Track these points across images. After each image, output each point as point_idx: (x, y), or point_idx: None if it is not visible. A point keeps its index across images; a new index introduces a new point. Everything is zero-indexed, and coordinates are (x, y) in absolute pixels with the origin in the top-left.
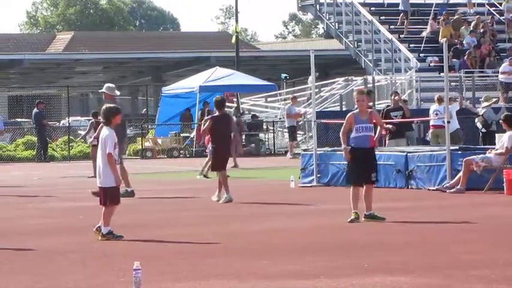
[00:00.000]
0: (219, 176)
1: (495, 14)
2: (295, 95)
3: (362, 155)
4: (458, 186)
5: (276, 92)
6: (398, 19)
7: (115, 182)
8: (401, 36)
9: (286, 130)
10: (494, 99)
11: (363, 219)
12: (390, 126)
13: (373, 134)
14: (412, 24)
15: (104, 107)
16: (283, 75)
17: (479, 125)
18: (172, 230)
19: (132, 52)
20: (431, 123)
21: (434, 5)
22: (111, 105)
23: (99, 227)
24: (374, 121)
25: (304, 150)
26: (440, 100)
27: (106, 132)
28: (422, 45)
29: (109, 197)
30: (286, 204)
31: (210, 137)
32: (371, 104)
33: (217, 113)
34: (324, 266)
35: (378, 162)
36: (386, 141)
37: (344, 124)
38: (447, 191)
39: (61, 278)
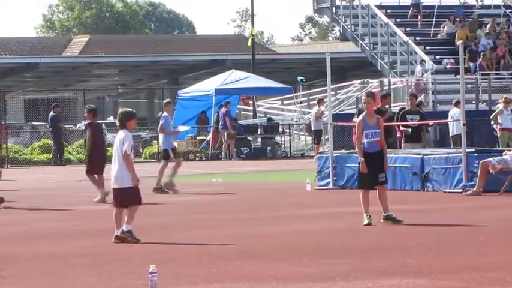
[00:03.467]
0: (92, 179)
1: (511, 16)
2: (320, 97)
3: (371, 159)
4: (475, 189)
5: (292, 95)
6: (415, 22)
7: (133, 181)
8: (418, 38)
9: (304, 133)
10: None
11: (382, 220)
12: (404, 129)
13: (380, 138)
14: (428, 26)
15: (119, 110)
16: (299, 78)
17: (495, 126)
18: (188, 233)
19: (148, 55)
20: (501, 126)
21: (450, 7)
22: (127, 109)
23: (117, 235)
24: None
25: (320, 153)
26: (507, 102)
27: (122, 134)
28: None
29: (127, 197)
30: (302, 207)
31: (91, 144)
32: (387, 106)
33: (91, 121)
34: (340, 268)
35: (394, 165)
36: (402, 145)
37: (357, 132)
38: (463, 193)
39: (77, 281)
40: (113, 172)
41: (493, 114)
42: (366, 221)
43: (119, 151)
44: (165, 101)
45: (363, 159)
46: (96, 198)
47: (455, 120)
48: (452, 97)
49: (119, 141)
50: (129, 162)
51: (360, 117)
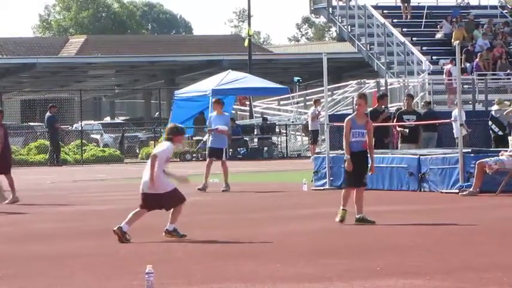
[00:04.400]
0: (9, 179)
1: (508, 16)
2: (317, 97)
3: (357, 159)
4: (471, 189)
5: (288, 95)
6: (411, 22)
7: (148, 187)
8: (414, 39)
9: (300, 133)
10: (508, 103)
11: (354, 222)
12: (401, 129)
13: (366, 139)
14: (425, 27)
15: (169, 125)
16: (295, 79)
17: (494, 127)
18: (186, 233)
19: (145, 56)
20: None
21: (447, 7)
22: (177, 125)
23: (167, 229)
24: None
25: (317, 153)
26: None
27: (166, 144)
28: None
29: (166, 201)
30: (299, 208)
31: (5, 144)
32: (384, 106)
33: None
34: (336, 268)
35: (391, 165)
36: (398, 145)
37: (345, 130)
38: (460, 193)
39: (73, 281)
40: (144, 177)
41: (507, 112)
42: (339, 217)
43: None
44: (213, 99)
45: (349, 156)
46: (7, 200)
47: (454, 121)
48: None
49: (160, 151)
50: (152, 165)
51: (350, 116)
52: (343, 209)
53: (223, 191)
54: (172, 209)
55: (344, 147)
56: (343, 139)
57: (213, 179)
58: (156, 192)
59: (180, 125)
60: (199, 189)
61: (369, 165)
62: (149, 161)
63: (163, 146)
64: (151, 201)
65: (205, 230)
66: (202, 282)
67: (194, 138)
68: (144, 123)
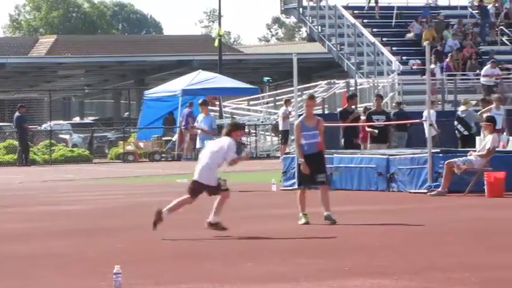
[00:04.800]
0: None
1: (478, 16)
2: (287, 97)
3: (309, 160)
4: (439, 189)
5: (258, 95)
6: (381, 22)
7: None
8: (384, 39)
9: (269, 133)
10: (474, 103)
11: (324, 220)
12: (371, 130)
13: (319, 140)
14: (395, 27)
15: (230, 121)
16: (265, 79)
17: (460, 127)
18: (155, 234)
19: (115, 56)
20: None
21: (417, 7)
22: (236, 121)
23: (209, 222)
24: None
25: (286, 153)
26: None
27: (227, 141)
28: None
29: (210, 190)
30: (268, 208)
31: None
32: (354, 107)
33: None
34: (304, 268)
35: (360, 165)
36: (368, 146)
37: (295, 135)
38: (428, 193)
39: (42, 281)
40: (198, 167)
41: (481, 111)
42: (303, 220)
43: (215, 152)
44: (200, 101)
45: (303, 160)
46: None
47: (423, 121)
48: (417, 98)
49: (219, 145)
50: (235, 162)
51: (299, 119)
52: (303, 214)
53: None
54: (181, 198)
55: (296, 152)
56: (295, 143)
57: (182, 179)
58: (203, 182)
59: (237, 122)
60: None
61: (325, 165)
62: (209, 155)
63: (230, 148)
64: (198, 188)
65: (174, 230)
66: (170, 283)
67: (163, 138)
68: (114, 123)
